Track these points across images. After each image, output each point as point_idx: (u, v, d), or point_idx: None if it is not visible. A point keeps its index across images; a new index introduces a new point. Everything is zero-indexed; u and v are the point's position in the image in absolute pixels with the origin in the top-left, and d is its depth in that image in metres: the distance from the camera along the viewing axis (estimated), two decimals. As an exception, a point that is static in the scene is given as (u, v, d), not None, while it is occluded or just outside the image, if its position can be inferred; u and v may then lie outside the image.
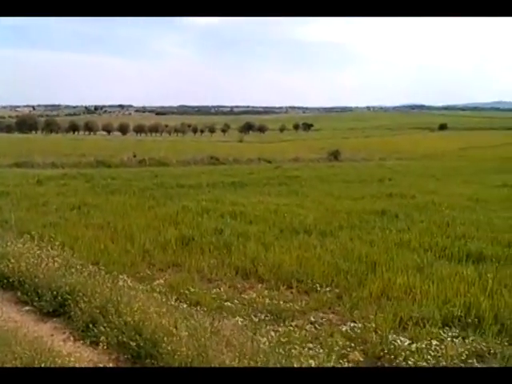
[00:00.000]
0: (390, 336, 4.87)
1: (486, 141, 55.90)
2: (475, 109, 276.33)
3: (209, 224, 10.21)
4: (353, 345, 4.75)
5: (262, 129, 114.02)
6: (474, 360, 4.49)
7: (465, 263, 7.62)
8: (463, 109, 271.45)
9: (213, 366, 3.73)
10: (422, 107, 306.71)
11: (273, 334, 4.77)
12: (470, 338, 4.92)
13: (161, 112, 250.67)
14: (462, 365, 4.35)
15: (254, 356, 3.75)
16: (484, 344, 4.80)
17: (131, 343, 4.16)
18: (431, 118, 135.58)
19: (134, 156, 29.69)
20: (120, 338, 4.34)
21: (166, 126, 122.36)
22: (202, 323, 4.54)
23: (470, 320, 5.35)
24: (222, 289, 6.54)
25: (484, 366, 4.35)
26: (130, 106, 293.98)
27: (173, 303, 5.37)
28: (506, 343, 4.85)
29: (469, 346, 4.73)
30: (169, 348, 3.90)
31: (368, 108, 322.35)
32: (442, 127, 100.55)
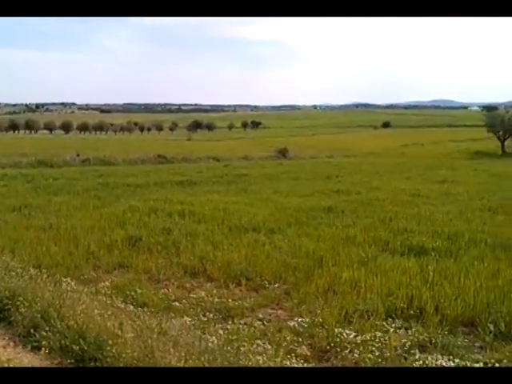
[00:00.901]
0: (336, 329, 4.97)
1: (426, 138, 58.01)
2: (416, 107, 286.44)
3: (157, 224, 10.07)
4: (300, 340, 4.82)
5: (210, 127, 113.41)
6: (417, 350, 4.66)
7: (407, 256, 7.89)
8: (406, 107, 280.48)
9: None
10: (366, 106, 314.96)
11: (221, 332, 4.77)
12: (413, 329, 5.09)
13: (105, 110, 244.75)
14: (406, 355, 4.51)
15: (201, 355, 3.72)
16: (426, 334, 4.98)
17: (74, 347, 4.03)
18: (375, 116, 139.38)
19: (78, 155, 28.82)
20: (63, 342, 4.19)
21: (112, 124, 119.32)
22: (149, 324, 4.46)
23: (412, 311, 5.54)
24: (170, 289, 6.47)
25: (426, 355, 4.53)
26: (73, 104, 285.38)
27: (119, 305, 5.25)
28: (446, 332, 5.06)
29: (411, 337, 4.90)
30: (114, 350, 3.81)
31: (315, 107, 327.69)
32: (386, 125, 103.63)
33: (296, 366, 4.15)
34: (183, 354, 3.64)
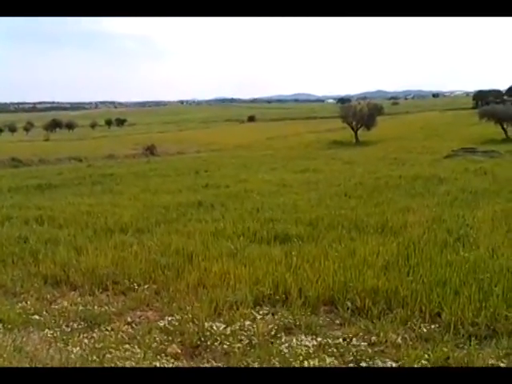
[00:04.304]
0: (206, 323, 5.00)
1: (289, 130, 60.81)
2: (279, 101, 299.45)
3: (11, 232, 9.26)
4: (171, 338, 4.77)
5: (70, 126, 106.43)
6: (283, 333, 4.88)
7: (273, 244, 8.21)
8: (269, 101, 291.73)
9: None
10: (231, 100, 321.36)
11: (86, 341, 4.54)
12: (279, 314, 5.32)
13: None
14: (272, 340, 4.70)
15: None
16: (291, 317, 5.22)
17: None
18: (241, 111, 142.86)
19: None
20: None
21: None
22: (3, 342, 4.08)
23: (278, 297, 5.77)
24: (28, 302, 5.97)
25: (291, 337, 4.77)
26: None
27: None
28: (309, 313, 5.37)
29: (278, 321, 5.12)
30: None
31: (181, 102, 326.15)
32: (251, 119, 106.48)
33: (167, 365, 4.11)
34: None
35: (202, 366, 4.18)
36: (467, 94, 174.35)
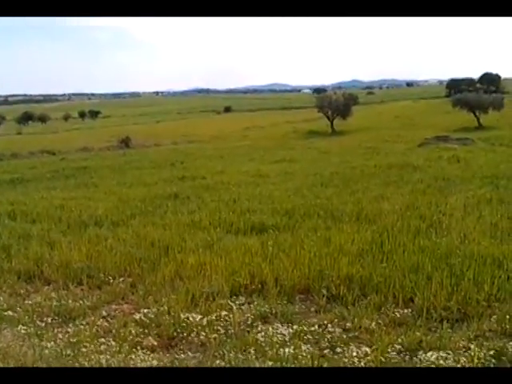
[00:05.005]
0: (182, 315, 5.00)
1: (265, 121, 60.74)
2: (255, 91, 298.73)
3: (-18, 228, 9.05)
4: (146, 331, 4.75)
5: (43, 118, 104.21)
6: (259, 322, 4.92)
7: (249, 235, 8.22)
8: (245, 92, 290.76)
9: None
10: (207, 91, 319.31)
11: (61, 336, 4.49)
12: (255, 303, 5.35)
13: None
14: (249, 329, 4.73)
15: (34, 364, 3.48)
16: (267, 306, 5.26)
17: None
18: (216, 102, 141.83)
19: None
20: None
21: None
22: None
23: (254, 287, 5.80)
24: (1, 298, 5.88)
25: (268, 326, 4.80)
26: None
27: None
28: (285, 302, 5.41)
29: (254, 311, 5.14)
30: None
31: (156, 93, 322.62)
32: (227, 109, 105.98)
33: (142, 357, 4.10)
34: (12, 366, 3.37)
35: (177, 356, 4.18)
36: (441, 82, 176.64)
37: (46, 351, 3.89)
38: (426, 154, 19.98)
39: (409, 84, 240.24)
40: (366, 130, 39.71)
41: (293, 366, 3.97)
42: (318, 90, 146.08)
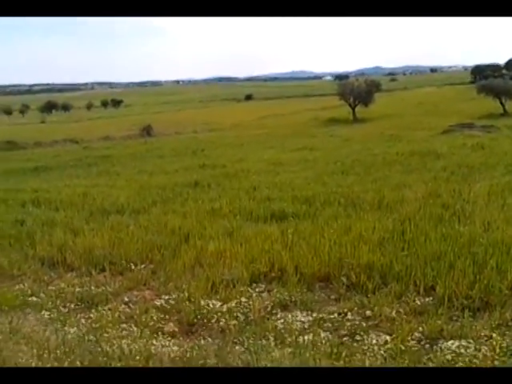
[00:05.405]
0: (202, 301, 5.04)
1: (286, 108, 60.50)
2: (275, 79, 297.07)
3: (7, 216, 9.28)
4: (168, 317, 4.81)
5: (66, 107, 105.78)
6: (279, 310, 4.93)
7: (269, 223, 8.21)
8: (265, 80, 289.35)
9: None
10: (228, 79, 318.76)
11: (83, 321, 4.58)
12: (275, 290, 5.36)
13: None
14: (268, 316, 4.74)
15: (57, 348, 3.55)
16: (286, 294, 5.26)
17: None
18: (237, 89, 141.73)
19: None
20: None
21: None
22: (-1, 324, 4.12)
23: (273, 274, 5.80)
24: (26, 284, 6.01)
25: (287, 313, 4.81)
26: None
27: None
28: (304, 290, 5.40)
29: (273, 298, 5.15)
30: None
31: (178, 82, 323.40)
32: (248, 97, 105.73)
33: (163, 343, 4.15)
34: (35, 351, 3.43)
35: (197, 342, 4.23)
36: (466, 68, 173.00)
37: (69, 336, 3.97)
38: (449, 141, 19.64)
39: (433, 70, 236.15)
40: (389, 117, 39.20)
41: (312, 352, 3.98)
42: (339, 77, 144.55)
